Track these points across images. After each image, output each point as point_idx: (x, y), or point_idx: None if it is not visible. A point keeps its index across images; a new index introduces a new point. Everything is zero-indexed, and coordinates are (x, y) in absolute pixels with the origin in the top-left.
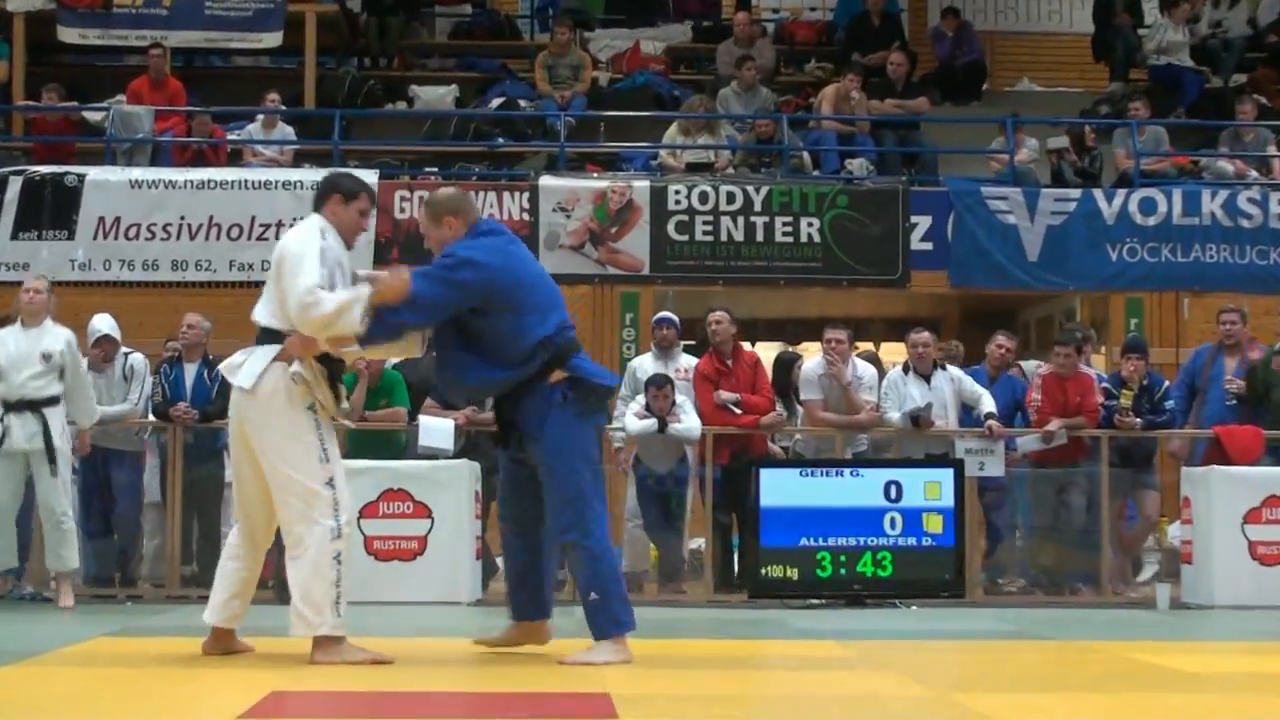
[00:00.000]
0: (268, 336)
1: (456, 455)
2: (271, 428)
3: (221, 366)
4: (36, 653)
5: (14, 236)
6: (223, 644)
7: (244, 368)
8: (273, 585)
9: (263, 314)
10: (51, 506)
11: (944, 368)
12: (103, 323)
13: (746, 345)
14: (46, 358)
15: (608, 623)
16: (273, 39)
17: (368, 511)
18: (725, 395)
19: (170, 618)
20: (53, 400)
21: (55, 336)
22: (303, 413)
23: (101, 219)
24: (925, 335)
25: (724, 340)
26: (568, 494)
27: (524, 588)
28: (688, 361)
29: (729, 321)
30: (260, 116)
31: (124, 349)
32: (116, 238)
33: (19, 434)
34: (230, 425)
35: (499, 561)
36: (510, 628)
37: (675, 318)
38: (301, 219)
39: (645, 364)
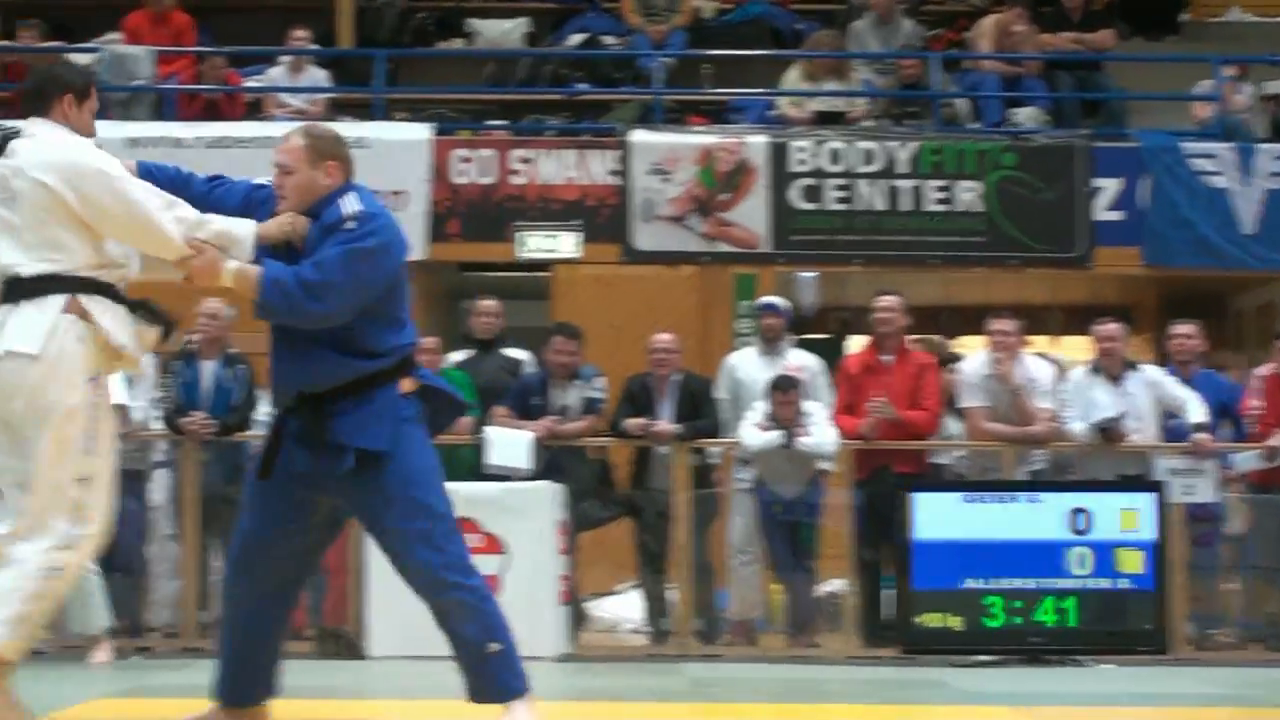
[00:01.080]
0: (38, 286)
1: (535, 476)
2: (47, 403)
3: None
4: None
5: None
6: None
7: (10, 326)
8: (311, 636)
9: (23, 257)
10: None
11: (1139, 368)
12: None
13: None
14: None
15: (515, 679)
16: None
17: None
18: (877, 403)
19: (186, 674)
20: None
21: None
22: (82, 388)
23: None
24: (1114, 327)
25: (892, 333)
26: (437, 529)
27: (253, 665)
28: (798, 358)
29: (900, 311)
30: (285, 59)
31: None
32: None
33: None
34: None
35: (587, 607)
36: (215, 713)
37: (783, 303)
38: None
39: (746, 361)
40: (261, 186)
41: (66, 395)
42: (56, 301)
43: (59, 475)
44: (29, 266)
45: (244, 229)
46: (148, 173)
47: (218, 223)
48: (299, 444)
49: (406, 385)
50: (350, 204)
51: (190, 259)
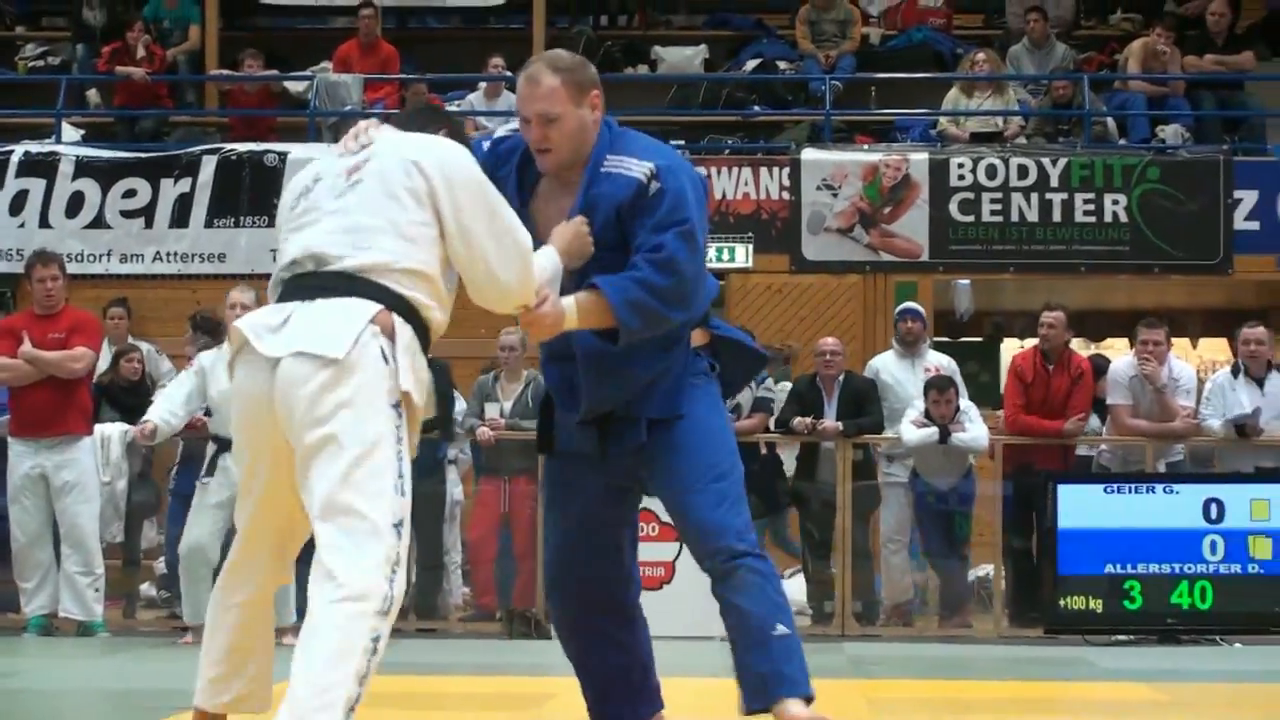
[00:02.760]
0: (359, 287)
1: None
2: (348, 422)
3: (244, 326)
4: None
5: (209, 224)
6: None
7: (320, 328)
8: (500, 618)
9: (368, 252)
10: None
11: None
12: None
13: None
14: None
15: (800, 673)
16: None
17: None
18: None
19: (390, 654)
20: None
21: None
22: (388, 412)
23: None
24: (1260, 331)
25: (1055, 346)
26: (729, 492)
27: (627, 685)
28: (936, 359)
29: (1063, 326)
30: (483, 85)
31: None
32: None
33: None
34: (257, 409)
35: None
36: None
37: (921, 309)
38: None
39: (887, 363)
40: (501, 140)
41: (361, 417)
42: (366, 309)
43: (373, 515)
44: (371, 257)
45: (552, 262)
46: None
47: (538, 259)
48: (582, 424)
49: (697, 338)
50: (636, 163)
51: (536, 308)
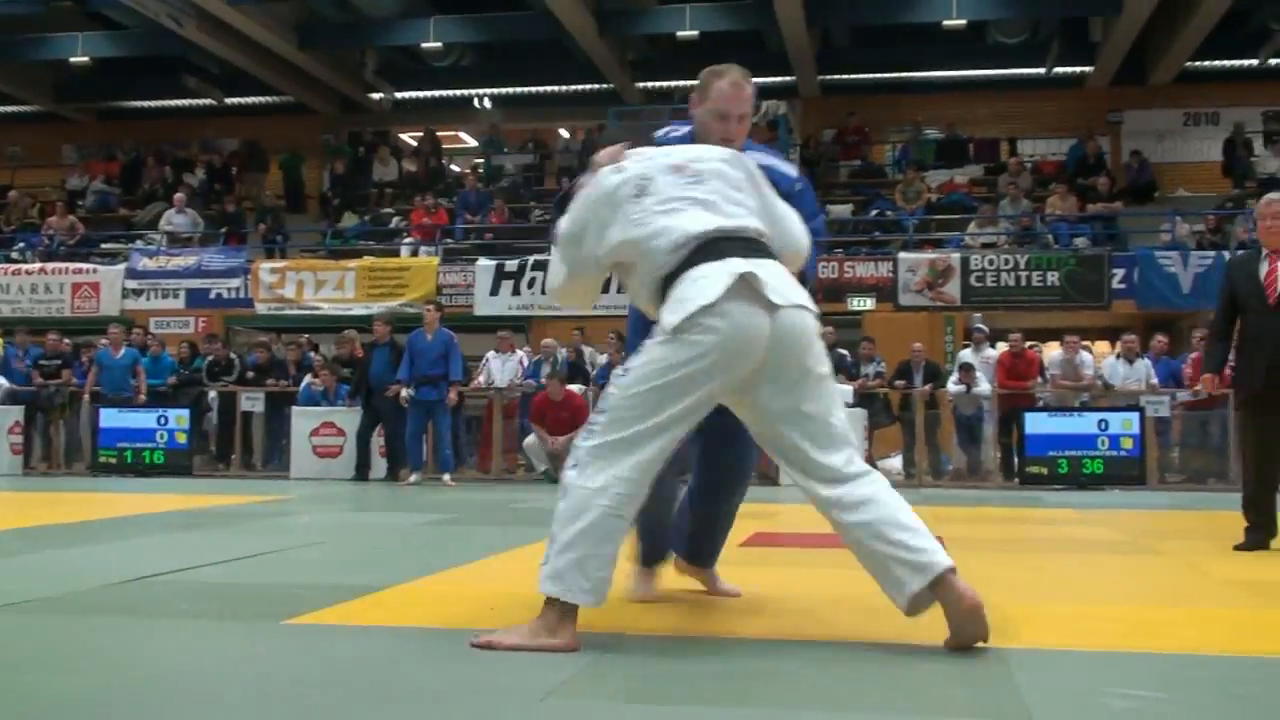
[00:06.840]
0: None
1: (853, 405)
2: (825, 361)
3: (727, 272)
4: None
5: (619, 290)
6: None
7: (797, 287)
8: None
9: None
10: None
11: (1142, 356)
12: None
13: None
14: None
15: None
16: None
17: None
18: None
19: None
20: None
21: None
22: None
23: None
24: (1133, 337)
25: (1017, 349)
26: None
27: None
28: (991, 352)
29: (1022, 339)
30: None
31: None
32: None
33: None
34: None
35: (877, 463)
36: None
37: (985, 327)
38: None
39: (967, 355)
40: (664, 137)
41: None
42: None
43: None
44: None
45: None
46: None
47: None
48: None
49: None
50: (786, 164)
51: None
